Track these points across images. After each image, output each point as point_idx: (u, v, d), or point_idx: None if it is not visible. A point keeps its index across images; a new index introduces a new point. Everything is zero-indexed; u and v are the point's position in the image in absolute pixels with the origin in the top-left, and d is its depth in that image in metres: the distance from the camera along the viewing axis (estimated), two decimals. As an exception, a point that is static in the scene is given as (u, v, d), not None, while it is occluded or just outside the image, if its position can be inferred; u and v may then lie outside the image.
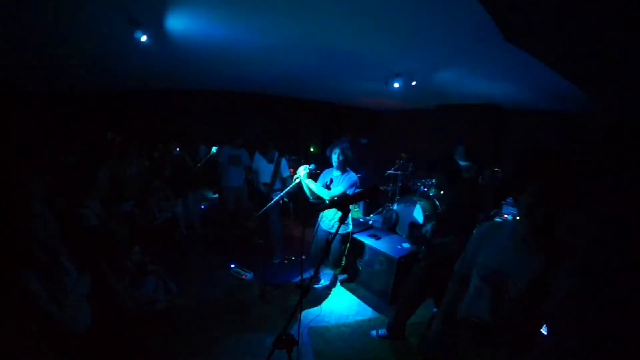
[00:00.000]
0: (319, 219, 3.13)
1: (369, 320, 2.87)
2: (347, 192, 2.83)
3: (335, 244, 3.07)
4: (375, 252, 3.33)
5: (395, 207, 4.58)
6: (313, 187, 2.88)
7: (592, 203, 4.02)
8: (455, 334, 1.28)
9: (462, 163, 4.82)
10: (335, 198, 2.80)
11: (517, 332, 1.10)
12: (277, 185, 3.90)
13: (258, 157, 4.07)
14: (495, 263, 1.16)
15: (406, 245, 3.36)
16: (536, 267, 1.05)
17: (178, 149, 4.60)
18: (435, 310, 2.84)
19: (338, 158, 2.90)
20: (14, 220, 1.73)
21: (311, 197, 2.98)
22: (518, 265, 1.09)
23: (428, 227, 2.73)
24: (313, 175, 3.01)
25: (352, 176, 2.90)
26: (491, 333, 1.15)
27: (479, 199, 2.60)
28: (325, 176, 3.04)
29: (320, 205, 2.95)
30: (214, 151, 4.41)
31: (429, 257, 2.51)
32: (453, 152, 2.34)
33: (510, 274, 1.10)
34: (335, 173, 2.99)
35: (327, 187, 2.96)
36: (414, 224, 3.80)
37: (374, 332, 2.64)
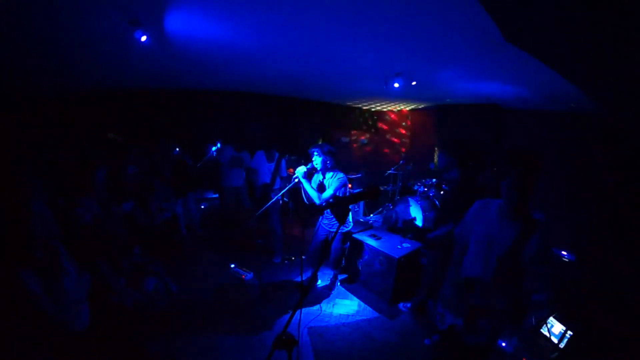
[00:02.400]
0: (320, 219, 3.13)
1: (369, 320, 2.87)
2: (337, 194, 2.84)
3: (336, 243, 3.07)
4: (375, 252, 3.33)
5: (395, 207, 4.58)
6: (307, 188, 2.89)
7: (593, 202, 4.03)
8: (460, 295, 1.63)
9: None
10: (331, 200, 2.82)
11: (500, 282, 1.46)
12: (277, 184, 3.91)
13: (259, 156, 4.07)
14: (487, 230, 1.54)
15: (406, 245, 3.36)
16: (514, 232, 1.42)
17: (178, 149, 4.61)
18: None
19: (315, 161, 2.94)
20: (13, 220, 1.73)
21: (306, 199, 2.98)
22: (502, 231, 1.47)
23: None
24: (311, 175, 3.02)
25: (341, 177, 2.90)
26: (481, 284, 1.51)
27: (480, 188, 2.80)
28: (314, 180, 3.05)
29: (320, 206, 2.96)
30: (214, 151, 4.42)
31: (437, 248, 2.61)
32: (469, 145, 2.58)
33: (496, 238, 1.47)
34: (320, 176, 3.00)
35: (319, 187, 2.97)
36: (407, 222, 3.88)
37: (401, 306, 2.99)
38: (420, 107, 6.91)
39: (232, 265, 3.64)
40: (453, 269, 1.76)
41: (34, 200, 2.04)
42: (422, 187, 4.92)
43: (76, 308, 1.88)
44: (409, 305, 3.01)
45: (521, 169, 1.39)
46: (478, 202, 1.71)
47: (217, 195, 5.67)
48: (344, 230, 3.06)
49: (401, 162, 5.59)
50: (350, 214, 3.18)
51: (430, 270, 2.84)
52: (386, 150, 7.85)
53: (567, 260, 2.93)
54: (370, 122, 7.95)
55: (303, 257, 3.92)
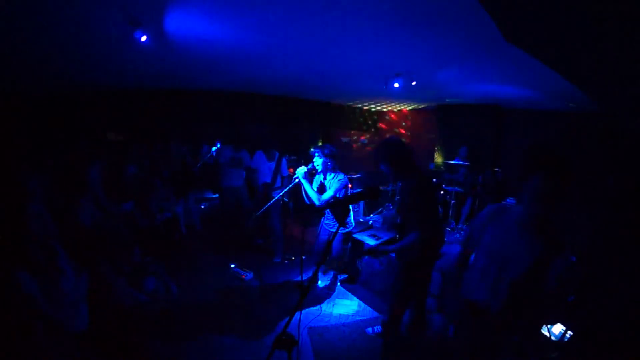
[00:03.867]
0: (322, 220, 3.13)
1: (369, 320, 2.87)
2: (338, 196, 2.84)
3: (337, 243, 3.07)
4: (375, 252, 3.33)
5: (395, 207, 4.57)
6: (307, 189, 2.88)
7: (593, 202, 4.03)
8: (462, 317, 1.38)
9: (461, 163, 4.85)
10: (331, 201, 2.82)
11: (512, 314, 1.18)
12: (278, 184, 3.91)
13: (259, 156, 4.07)
14: (501, 244, 1.23)
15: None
16: (537, 250, 1.14)
17: (184, 148, 4.62)
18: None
19: (316, 162, 2.92)
20: (11, 221, 1.73)
21: (306, 200, 2.98)
22: (520, 248, 1.18)
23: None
24: (312, 175, 3.02)
25: (342, 178, 2.90)
26: (489, 313, 1.22)
27: (430, 186, 2.37)
28: (316, 181, 3.06)
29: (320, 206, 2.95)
30: (214, 151, 4.42)
31: (403, 256, 2.25)
32: (401, 146, 2.06)
33: (513, 255, 1.19)
34: (320, 177, 3.01)
35: (320, 188, 2.97)
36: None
37: (369, 330, 2.65)
38: (420, 107, 6.91)
39: (232, 265, 3.64)
40: (453, 284, 1.53)
41: (32, 200, 2.04)
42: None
43: (74, 309, 1.88)
44: (378, 329, 2.62)
45: (549, 172, 1.11)
46: (492, 207, 1.42)
47: (217, 195, 5.67)
48: (345, 231, 3.06)
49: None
50: (351, 214, 3.18)
51: (403, 279, 2.26)
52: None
53: (567, 260, 2.92)
54: (370, 122, 7.95)
55: (303, 257, 3.92)
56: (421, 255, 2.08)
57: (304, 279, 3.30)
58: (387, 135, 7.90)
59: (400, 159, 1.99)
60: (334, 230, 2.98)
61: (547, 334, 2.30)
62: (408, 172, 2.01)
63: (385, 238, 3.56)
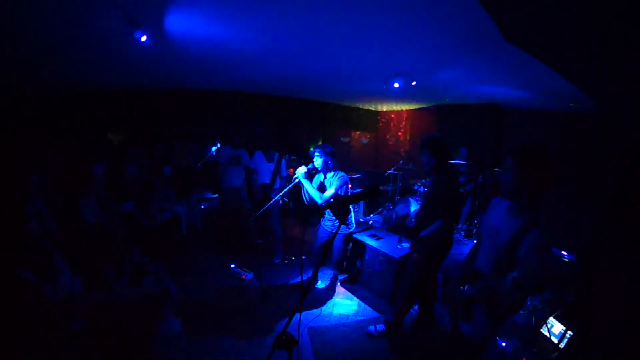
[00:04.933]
0: (321, 221, 3.13)
1: (369, 320, 2.87)
2: (339, 193, 2.84)
3: (338, 244, 3.07)
4: (375, 252, 3.33)
5: (395, 207, 4.58)
6: (309, 188, 2.88)
7: (593, 202, 4.03)
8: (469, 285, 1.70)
9: (462, 163, 4.85)
10: (332, 200, 2.81)
11: (499, 273, 1.51)
12: (277, 184, 3.91)
13: (258, 156, 4.07)
14: (495, 222, 1.61)
15: (406, 245, 3.35)
16: (516, 225, 1.47)
17: (190, 147, 4.62)
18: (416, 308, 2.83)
19: (316, 162, 2.92)
20: (10, 220, 1.73)
21: (306, 200, 2.98)
22: (505, 223, 1.54)
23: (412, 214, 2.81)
24: (312, 176, 3.02)
25: (342, 176, 2.90)
26: (482, 274, 1.58)
27: (458, 183, 2.75)
28: (316, 180, 3.06)
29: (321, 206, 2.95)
30: (214, 151, 4.42)
31: (420, 249, 2.48)
32: (447, 144, 2.34)
33: (501, 229, 1.54)
34: (320, 176, 3.01)
35: (320, 187, 2.97)
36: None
37: (372, 328, 2.66)
38: (420, 107, 6.91)
39: (232, 265, 3.64)
40: (466, 264, 1.81)
41: (33, 200, 2.04)
42: (422, 187, 4.92)
43: (72, 308, 1.88)
44: (381, 327, 2.63)
45: (517, 155, 1.42)
46: (495, 199, 1.76)
47: (216, 195, 5.68)
48: (346, 232, 3.05)
49: (401, 162, 5.59)
50: (352, 215, 3.18)
51: (410, 278, 2.50)
52: (386, 151, 7.85)
53: (567, 260, 2.92)
54: (370, 122, 7.95)
55: (303, 257, 3.92)
56: (437, 245, 2.33)
57: (303, 279, 3.30)
58: (387, 136, 7.91)
59: (443, 154, 2.27)
60: (334, 232, 2.98)
61: (547, 334, 2.30)
62: (445, 166, 2.30)
63: (386, 237, 3.56)
